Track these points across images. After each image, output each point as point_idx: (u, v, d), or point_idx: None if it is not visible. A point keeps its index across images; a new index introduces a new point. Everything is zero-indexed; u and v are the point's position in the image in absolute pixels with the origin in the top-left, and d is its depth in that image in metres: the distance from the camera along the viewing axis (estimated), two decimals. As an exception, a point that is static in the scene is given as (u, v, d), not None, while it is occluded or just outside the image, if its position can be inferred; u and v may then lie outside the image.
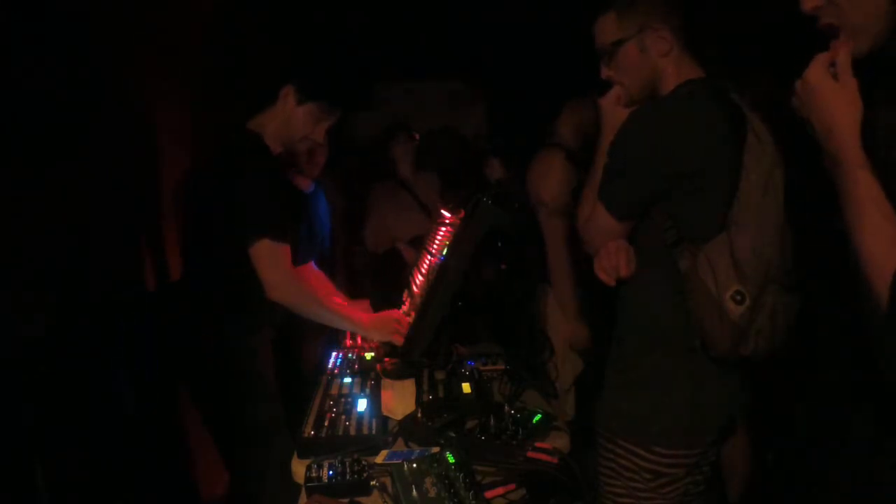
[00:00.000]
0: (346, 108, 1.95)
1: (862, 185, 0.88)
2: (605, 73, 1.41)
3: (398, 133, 3.32)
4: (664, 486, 1.33)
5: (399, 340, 1.80)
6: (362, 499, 1.20)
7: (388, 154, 3.34)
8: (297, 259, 1.92)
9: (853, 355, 1.09)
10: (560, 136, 2.53)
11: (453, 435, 1.37)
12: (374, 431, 1.41)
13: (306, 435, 1.40)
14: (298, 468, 1.32)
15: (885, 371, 0.85)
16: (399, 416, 1.51)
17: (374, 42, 4.00)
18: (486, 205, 1.65)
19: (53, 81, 1.72)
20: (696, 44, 1.35)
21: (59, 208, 1.72)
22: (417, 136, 3.41)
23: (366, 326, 1.88)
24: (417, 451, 1.33)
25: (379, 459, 1.28)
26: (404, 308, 1.99)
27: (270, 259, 1.70)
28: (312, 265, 2.19)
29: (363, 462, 1.25)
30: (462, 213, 1.73)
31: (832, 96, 0.92)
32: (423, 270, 1.93)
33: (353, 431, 1.41)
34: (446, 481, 1.15)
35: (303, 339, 2.67)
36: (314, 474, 1.22)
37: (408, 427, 1.46)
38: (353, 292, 2.40)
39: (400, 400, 1.54)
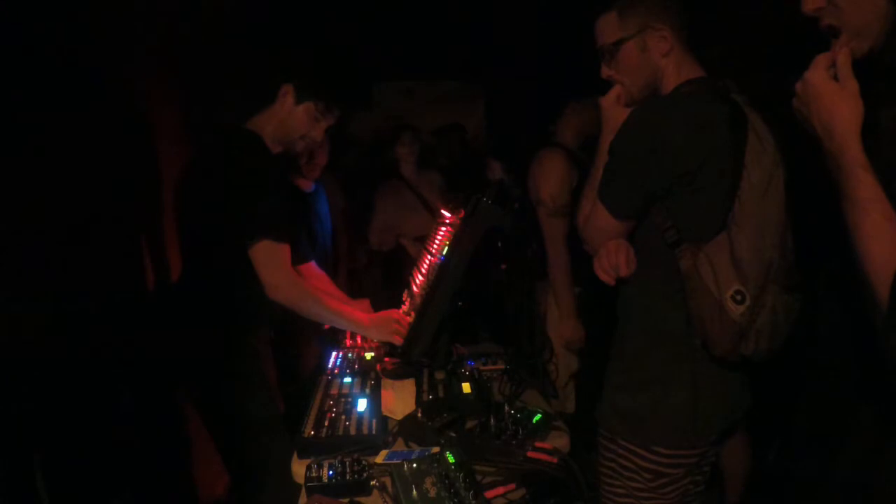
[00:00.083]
0: (345, 107, 1.95)
1: (863, 186, 0.88)
2: (606, 72, 1.41)
3: (403, 133, 3.32)
4: (664, 486, 1.33)
5: (399, 340, 1.80)
6: (362, 499, 1.20)
7: (391, 154, 3.34)
8: (298, 259, 1.92)
9: (853, 355, 1.10)
10: (561, 136, 2.53)
11: (453, 435, 1.37)
12: (374, 431, 1.41)
13: (306, 435, 1.40)
14: (298, 468, 1.32)
15: (891, 372, 0.84)
16: (399, 416, 1.50)
17: (373, 42, 4.00)
18: (486, 205, 1.65)
19: (53, 81, 1.72)
20: (696, 44, 1.35)
21: (58, 207, 1.72)
22: (422, 137, 3.41)
23: (366, 326, 1.87)
24: (417, 451, 1.33)
25: (379, 459, 1.28)
26: (404, 308, 1.99)
27: (270, 259, 1.70)
28: (313, 265, 2.19)
29: (363, 462, 1.25)
30: (462, 213, 1.73)
31: (833, 97, 0.92)
32: (423, 270, 1.93)
33: (353, 431, 1.41)
34: (446, 481, 1.15)
35: (303, 339, 2.68)
36: (314, 474, 1.22)
37: (408, 427, 1.46)
38: (353, 292, 2.40)
39: (400, 400, 1.54)
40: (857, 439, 1.09)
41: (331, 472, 1.23)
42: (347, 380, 1.73)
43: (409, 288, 2.06)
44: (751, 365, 1.27)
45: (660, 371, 1.31)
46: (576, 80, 2.21)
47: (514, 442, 1.33)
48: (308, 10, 3.48)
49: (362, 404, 1.53)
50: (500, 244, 1.91)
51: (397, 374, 1.66)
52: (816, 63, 0.95)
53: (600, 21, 1.38)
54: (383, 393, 1.59)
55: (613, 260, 1.32)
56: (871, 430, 1.05)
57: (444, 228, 1.86)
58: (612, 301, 1.43)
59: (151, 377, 2.06)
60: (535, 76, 4.19)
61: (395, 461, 1.24)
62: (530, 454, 1.26)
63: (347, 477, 1.21)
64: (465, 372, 1.71)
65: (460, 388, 1.62)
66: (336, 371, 1.83)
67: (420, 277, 1.95)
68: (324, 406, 1.55)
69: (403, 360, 1.75)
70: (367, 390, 1.64)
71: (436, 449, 1.29)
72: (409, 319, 1.82)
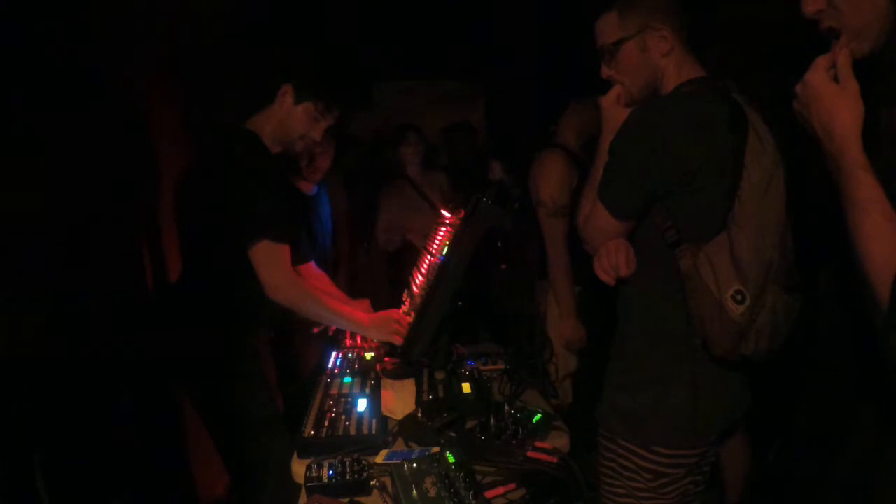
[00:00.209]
0: (344, 107, 1.95)
1: (863, 187, 0.88)
2: (606, 72, 1.41)
3: (408, 134, 3.32)
4: (664, 486, 1.33)
5: (399, 340, 1.80)
6: (362, 499, 1.20)
7: (395, 155, 3.34)
8: (298, 259, 1.92)
9: (853, 355, 1.10)
10: (561, 137, 2.53)
11: (453, 435, 1.37)
12: (374, 431, 1.41)
13: (306, 435, 1.40)
14: (298, 468, 1.32)
15: (891, 372, 0.85)
16: (399, 416, 1.50)
17: (373, 42, 4.00)
18: (486, 205, 1.65)
19: (53, 81, 1.72)
20: (696, 44, 1.35)
21: (58, 207, 1.72)
22: (426, 137, 3.41)
23: (366, 326, 1.88)
24: (417, 451, 1.33)
25: (379, 459, 1.28)
26: (404, 308, 1.99)
27: (270, 260, 1.70)
28: (313, 265, 2.19)
29: (363, 462, 1.25)
30: (462, 213, 1.73)
31: (833, 99, 0.92)
32: (423, 270, 1.93)
33: (353, 431, 1.41)
34: (446, 481, 1.15)
35: (303, 340, 2.68)
36: (314, 474, 1.23)
37: (408, 427, 1.46)
38: (353, 292, 2.40)
39: (400, 400, 1.54)
40: (857, 439, 1.09)
41: (331, 472, 1.23)
42: (347, 380, 1.73)
43: (409, 288, 2.06)
44: (751, 365, 1.27)
45: (660, 371, 1.31)
46: (576, 80, 2.21)
47: (514, 442, 1.33)
48: (308, 10, 3.48)
49: (362, 404, 1.53)
50: (500, 244, 1.92)
51: (397, 374, 1.66)
52: (817, 65, 0.95)
53: (600, 21, 1.39)
54: (383, 393, 1.59)
55: (613, 260, 1.32)
56: (871, 430, 1.05)
57: (443, 228, 1.86)
58: (612, 301, 1.43)
59: (151, 377, 2.06)
60: (535, 76, 4.19)
61: (395, 461, 1.24)
62: (530, 454, 1.27)
63: (347, 477, 1.21)
64: (465, 372, 1.71)
65: (460, 388, 1.62)
66: (336, 371, 1.83)
67: (420, 277, 1.95)
68: (324, 406, 1.55)
69: (403, 360, 1.75)
70: (367, 390, 1.64)
71: (436, 449, 1.29)
72: (409, 319, 1.82)
